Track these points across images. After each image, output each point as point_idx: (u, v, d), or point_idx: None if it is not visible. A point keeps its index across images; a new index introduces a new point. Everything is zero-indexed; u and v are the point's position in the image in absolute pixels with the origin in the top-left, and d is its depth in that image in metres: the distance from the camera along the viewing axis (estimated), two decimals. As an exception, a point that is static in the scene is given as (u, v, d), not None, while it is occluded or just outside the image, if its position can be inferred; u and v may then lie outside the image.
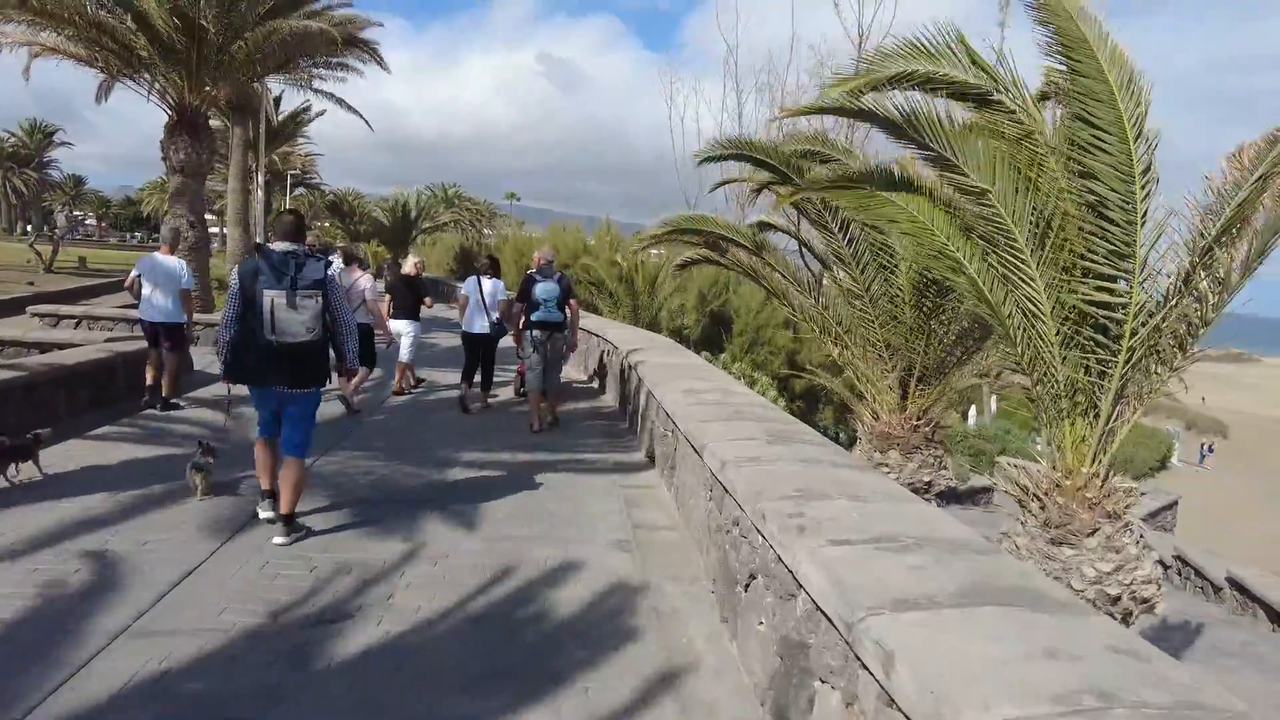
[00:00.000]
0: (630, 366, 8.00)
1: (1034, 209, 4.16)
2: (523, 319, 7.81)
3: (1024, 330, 4.19)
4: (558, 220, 28.72)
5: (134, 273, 8.04)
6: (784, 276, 7.47)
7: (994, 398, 42.12)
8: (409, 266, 9.83)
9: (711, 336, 18.30)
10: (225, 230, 25.39)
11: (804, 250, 8.02)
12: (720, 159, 7.04)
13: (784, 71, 23.33)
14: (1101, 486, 4.13)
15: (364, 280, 8.27)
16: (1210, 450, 53.12)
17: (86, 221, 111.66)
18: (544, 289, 7.60)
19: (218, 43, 13.55)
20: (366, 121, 25.77)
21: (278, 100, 28.25)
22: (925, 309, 6.60)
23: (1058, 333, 4.02)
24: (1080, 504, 4.06)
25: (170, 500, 5.21)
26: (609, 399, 10.48)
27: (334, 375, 5.02)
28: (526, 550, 4.69)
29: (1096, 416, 4.03)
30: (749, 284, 20.17)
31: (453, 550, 4.64)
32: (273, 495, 4.75)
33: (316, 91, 25.07)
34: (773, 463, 3.87)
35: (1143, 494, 23.22)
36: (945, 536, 2.87)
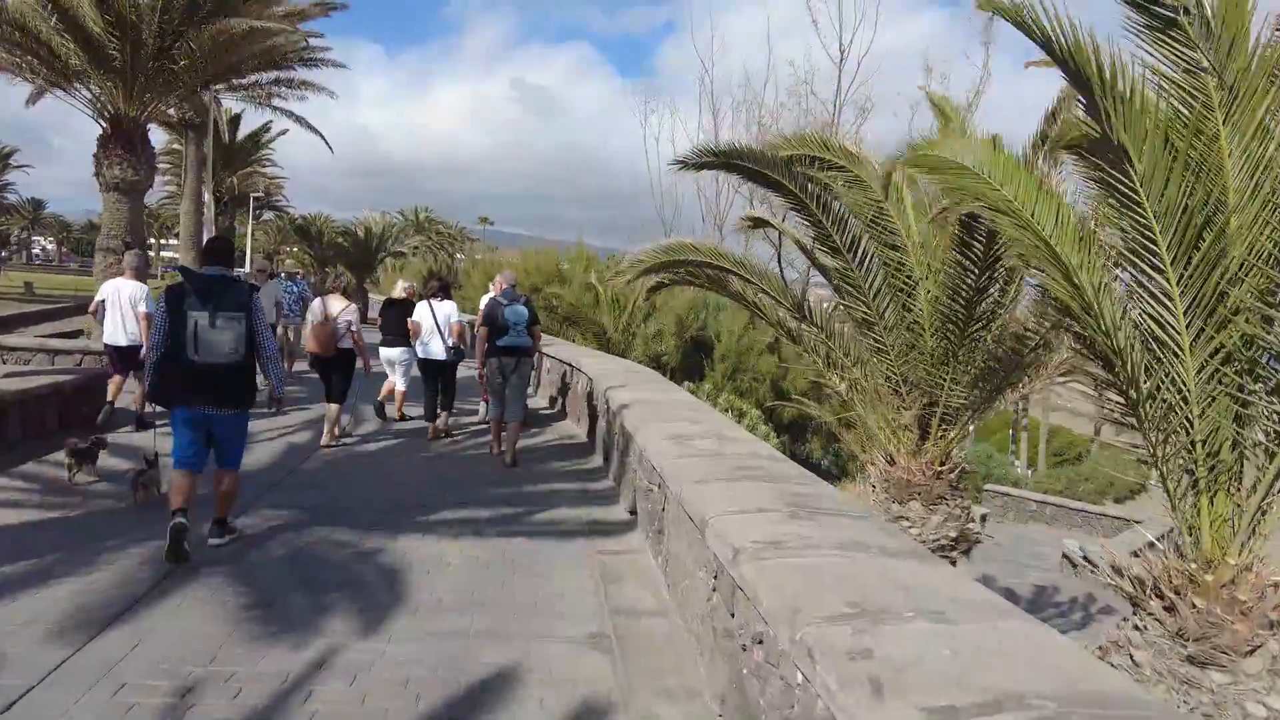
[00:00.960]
0: (608, 404, 6.99)
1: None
2: (484, 346, 7.43)
3: (1146, 365, 3.23)
4: (529, 244, 27.72)
5: (98, 298, 8.09)
6: (778, 301, 6.49)
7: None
8: (399, 291, 9.26)
9: (691, 364, 17.33)
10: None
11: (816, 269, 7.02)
12: (700, 167, 6.03)
13: (762, 89, 22.52)
14: (1254, 582, 3.12)
15: (348, 312, 7.92)
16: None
17: (47, 245, 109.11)
18: (514, 312, 7.29)
19: (155, 46, 12.45)
20: (326, 141, 24.73)
21: (236, 119, 27.06)
22: (951, 335, 5.64)
23: (1201, 371, 3.06)
24: (1228, 609, 3.06)
25: (36, 582, 4.09)
26: (577, 430, 9.66)
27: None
28: (474, 653, 3.62)
29: (1250, 487, 3.06)
30: (730, 307, 19.30)
31: (377, 658, 3.54)
32: (184, 511, 4.47)
33: (276, 109, 24.04)
34: (804, 551, 2.85)
35: (1138, 523, 22.51)
36: (1095, 691, 1.87)
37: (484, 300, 10.62)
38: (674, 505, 4.16)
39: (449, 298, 8.78)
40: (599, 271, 20.46)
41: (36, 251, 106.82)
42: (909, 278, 5.78)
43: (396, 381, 9.21)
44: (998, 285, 5.34)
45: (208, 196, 19.22)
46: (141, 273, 8.24)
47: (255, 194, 40.30)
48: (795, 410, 17.99)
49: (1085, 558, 14.53)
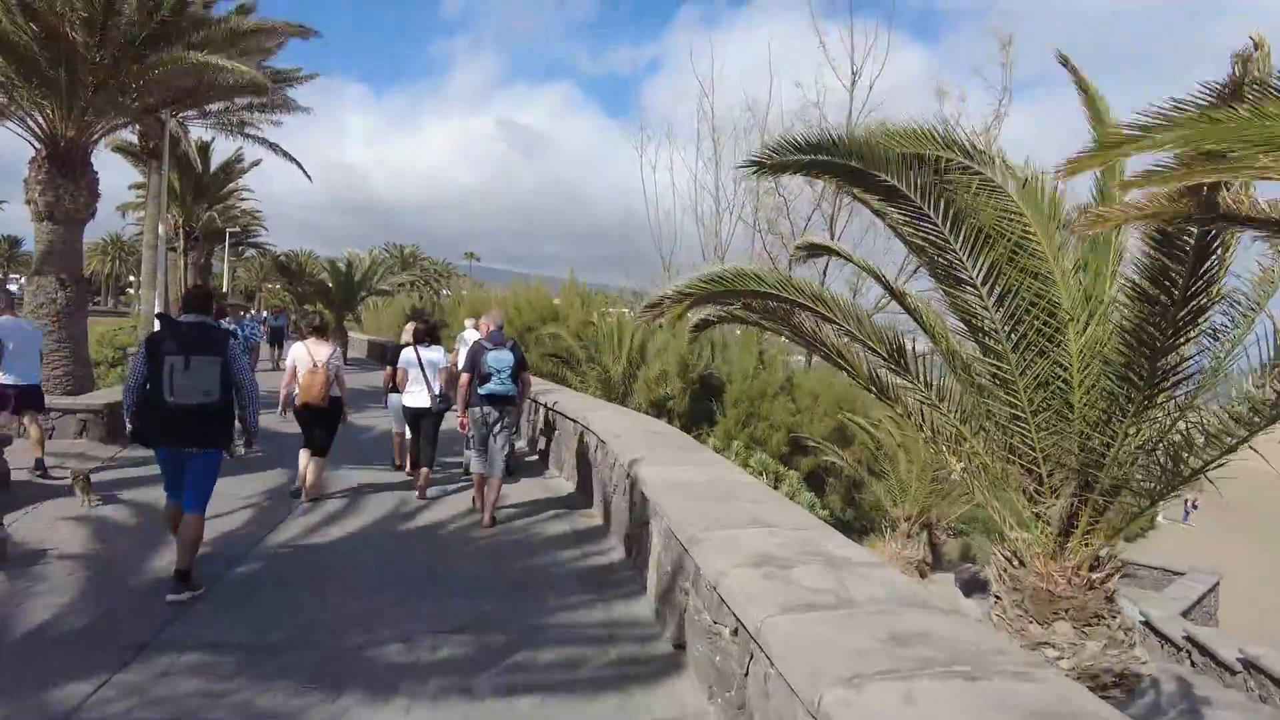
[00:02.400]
0: (633, 481, 5.37)
1: None
2: (466, 393, 6.95)
3: None
4: (519, 278, 26.14)
5: None
6: (869, 346, 4.89)
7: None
8: (408, 336, 8.53)
9: (700, 409, 15.71)
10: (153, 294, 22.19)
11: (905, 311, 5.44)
12: (782, 169, 4.42)
13: (764, 115, 21.21)
14: None
15: (335, 357, 7.45)
16: (1195, 505, 51.58)
17: (24, 283, 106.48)
18: (496, 357, 6.87)
19: (97, 63, 10.91)
20: (303, 169, 23.21)
21: (206, 148, 25.47)
22: (1123, 394, 4.06)
23: None
24: None
25: None
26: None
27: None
28: None
29: None
30: (738, 345, 17.74)
31: None
32: (184, 575, 4.72)
33: (249, 137, 22.54)
34: None
35: (1180, 574, 20.79)
36: None
37: (461, 337, 10.45)
38: (778, 682, 2.57)
39: (437, 342, 8.32)
40: (595, 308, 18.93)
41: (14, 289, 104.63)
42: (1051, 317, 4.23)
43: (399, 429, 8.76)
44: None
45: (162, 229, 17.55)
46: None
47: (232, 229, 38.66)
48: (815, 459, 16.41)
49: (1148, 624, 12.86)
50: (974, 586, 18.07)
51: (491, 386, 6.83)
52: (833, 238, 20.11)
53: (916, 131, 4.01)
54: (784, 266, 19.68)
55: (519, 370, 7.03)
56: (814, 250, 6.31)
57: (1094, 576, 4.48)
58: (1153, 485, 4.23)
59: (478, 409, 6.90)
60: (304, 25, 16.23)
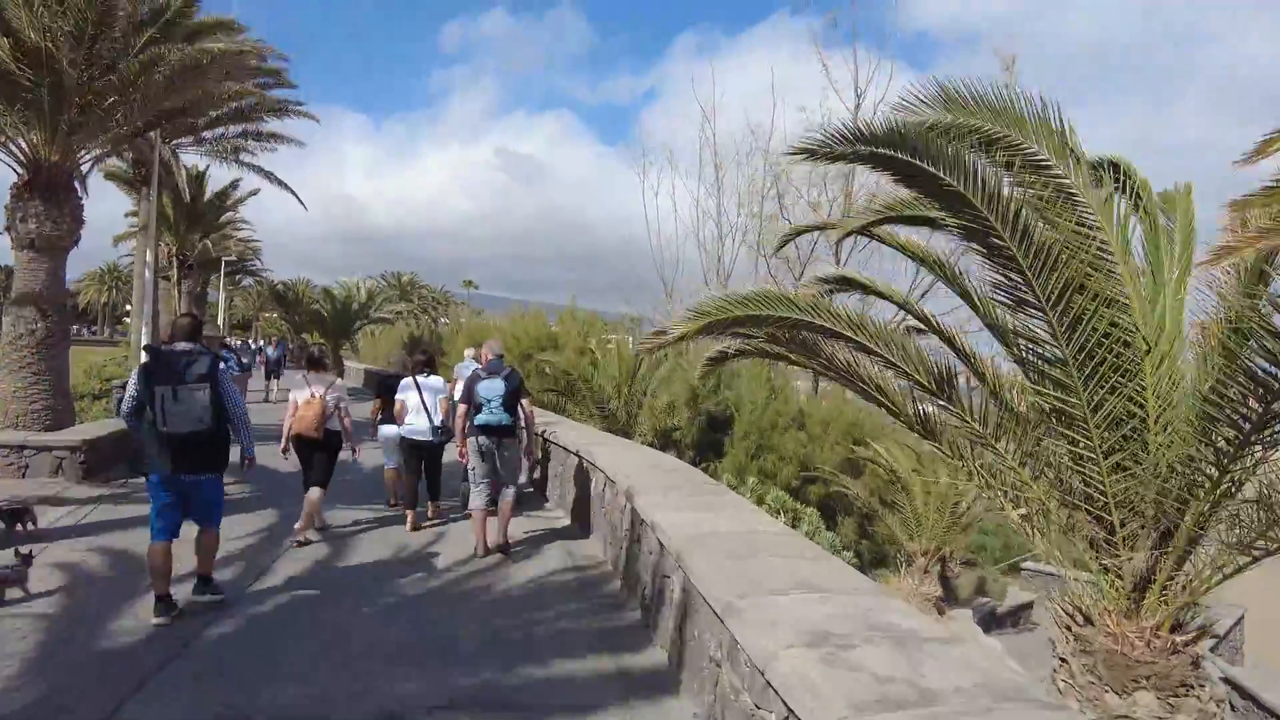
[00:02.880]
0: (649, 529, 4.86)
1: None
2: (464, 424, 6.81)
3: None
4: (517, 305, 25.70)
5: None
6: (915, 379, 4.39)
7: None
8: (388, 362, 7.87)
9: (707, 441, 15.18)
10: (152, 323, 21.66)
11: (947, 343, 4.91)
12: (836, 158, 3.77)
13: (767, 140, 20.88)
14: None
15: (336, 389, 7.26)
16: (1203, 535, 50.85)
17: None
18: (488, 387, 6.72)
19: (79, 80, 10.51)
20: (299, 199, 22.92)
21: (201, 176, 25.10)
22: (1218, 433, 3.56)
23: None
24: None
25: None
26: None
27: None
28: None
29: None
30: (748, 375, 17.25)
31: None
32: (166, 599, 4.86)
33: (244, 164, 22.23)
34: None
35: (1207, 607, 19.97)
36: None
37: (458, 368, 10.32)
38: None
39: (435, 371, 8.16)
40: (595, 334, 18.45)
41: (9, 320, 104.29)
42: (1124, 347, 3.74)
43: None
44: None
45: (150, 257, 17.09)
46: None
47: (227, 258, 38.29)
48: (824, 488, 15.86)
49: (1227, 680, 11.91)
50: (991, 622, 17.44)
51: (483, 417, 6.68)
52: (838, 264, 19.71)
53: (1002, 107, 3.51)
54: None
55: (514, 399, 6.81)
56: (843, 284, 5.75)
57: (1177, 639, 3.95)
58: (1250, 537, 3.71)
59: (473, 439, 6.75)
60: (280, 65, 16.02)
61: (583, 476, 7.71)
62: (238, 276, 70.94)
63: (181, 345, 4.94)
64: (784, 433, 15.18)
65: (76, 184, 11.76)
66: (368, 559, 6.56)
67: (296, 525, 6.90)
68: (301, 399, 7.06)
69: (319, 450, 7.10)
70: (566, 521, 8.20)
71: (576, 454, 7.99)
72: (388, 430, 8.24)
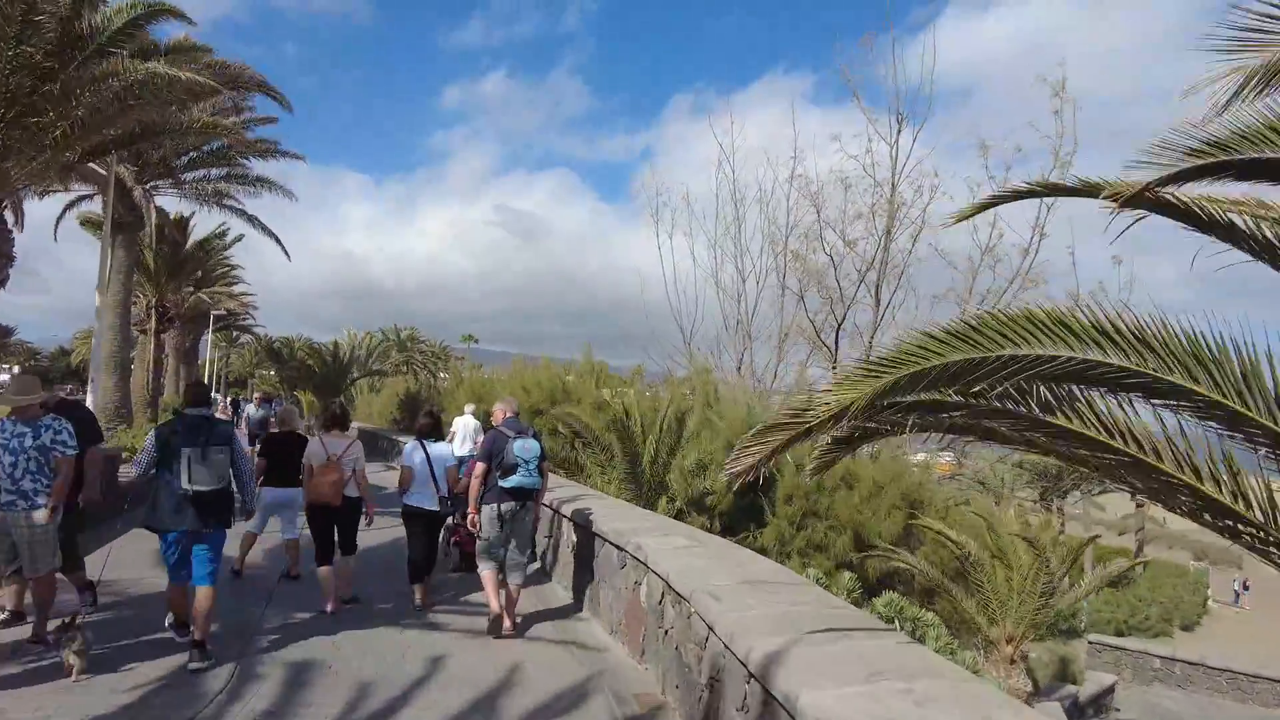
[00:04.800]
0: (780, 706, 2.84)
1: None
2: (480, 486, 6.21)
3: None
4: (520, 358, 23.75)
5: None
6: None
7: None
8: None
9: (745, 507, 13.09)
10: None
11: None
12: (1178, 179, 2.03)
13: (789, 181, 19.13)
14: None
15: (354, 449, 6.84)
16: (1246, 587, 48.18)
17: (14, 371, 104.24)
18: (524, 447, 6.14)
19: (5, 89, 8.77)
20: (282, 245, 21.26)
21: (182, 221, 23.38)
22: None
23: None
24: None
25: None
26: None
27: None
28: None
29: None
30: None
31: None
32: (187, 625, 5.28)
33: (225, 207, 20.56)
34: None
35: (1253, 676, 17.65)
36: None
37: (458, 421, 9.76)
38: None
39: (442, 436, 7.63)
40: (611, 386, 16.47)
41: (4, 379, 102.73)
42: None
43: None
44: None
45: (98, 300, 15.08)
46: None
47: (217, 311, 36.54)
48: (882, 562, 13.69)
49: None
50: (1075, 713, 15.13)
51: (519, 479, 6.10)
52: (877, 306, 17.84)
53: None
54: (829, 338, 17.35)
55: (542, 460, 6.33)
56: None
57: None
58: None
59: (494, 505, 6.15)
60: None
61: (628, 578, 5.71)
62: (235, 333, 69.42)
63: (199, 410, 5.35)
64: (832, 494, 13.10)
65: (7, 213, 9.97)
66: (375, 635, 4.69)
67: (328, 605, 6.38)
68: (318, 463, 6.55)
69: (340, 518, 6.70)
70: (598, 632, 6.20)
71: (620, 548, 6.00)
72: (270, 496, 7.46)
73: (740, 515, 13.18)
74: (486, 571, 6.21)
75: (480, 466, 6.25)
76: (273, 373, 52.40)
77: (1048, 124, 17.26)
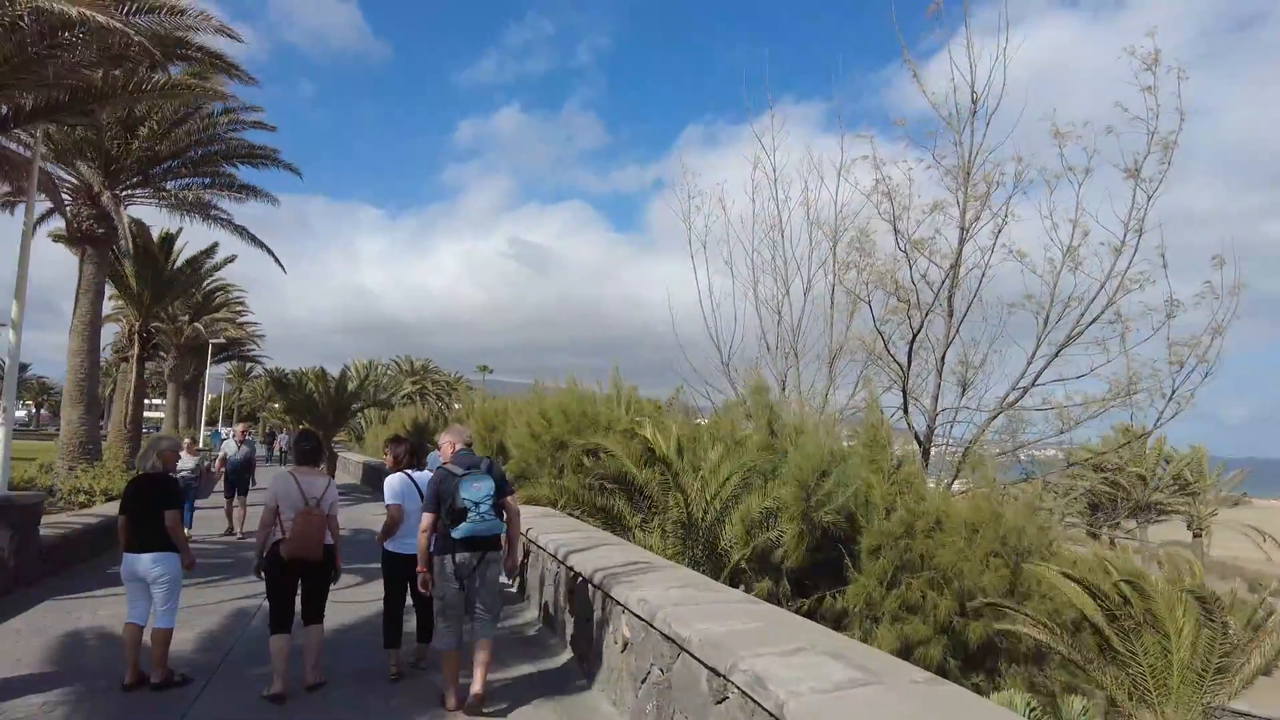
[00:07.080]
0: None
1: None
2: (432, 538, 5.29)
3: None
4: (537, 383, 21.40)
5: None
6: None
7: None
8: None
9: (822, 561, 10.58)
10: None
11: None
12: None
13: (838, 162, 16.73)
14: None
15: (333, 491, 5.75)
16: (1321, 626, 44.69)
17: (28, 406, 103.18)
18: (472, 487, 5.17)
19: None
20: (276, 258, 19.17)
21: (169, 237, 21.25)
22: None
23: None
24: None
25: None
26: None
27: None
28: None
29: None
30: (864, 455, 12.70)
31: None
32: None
33: (211, 218, 18.46)
34: None
35: None
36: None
37: (431, 458, 8.42)
38: None
39: (424, 465, 6.75)
40: (649, 414, 14.00)
41: (20, 414, 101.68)
42: None
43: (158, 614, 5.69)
44: None
45: (15, 311, 12.92)
46: None
47: (216, 340, 34.55)
48: (986, 626, 11.10)
49: None
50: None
51: (471, 526, 5.14)
52: (950, 316, 15.37)
53: None
54: (898, 351, 14.87)
55: (500, 496, 5.36)
56: None
57: None
58: None
59: (445, 557, 5.25)
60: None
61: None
62: (247, 365, 67.55)
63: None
64: (928, 538, 10.59)
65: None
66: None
67: (273, 688, 5.32)
68: (293, 507, 5.48)
69: (316, 575, 5.59)
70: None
71: (716, 672, 3.58)
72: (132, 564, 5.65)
73: (814, 571, 10.67)
74: (442, 647, 5.30)
75: (427, 517, 5.32)
76: (278, 405, 50.47)
77: (1137, 104, 14.73)
